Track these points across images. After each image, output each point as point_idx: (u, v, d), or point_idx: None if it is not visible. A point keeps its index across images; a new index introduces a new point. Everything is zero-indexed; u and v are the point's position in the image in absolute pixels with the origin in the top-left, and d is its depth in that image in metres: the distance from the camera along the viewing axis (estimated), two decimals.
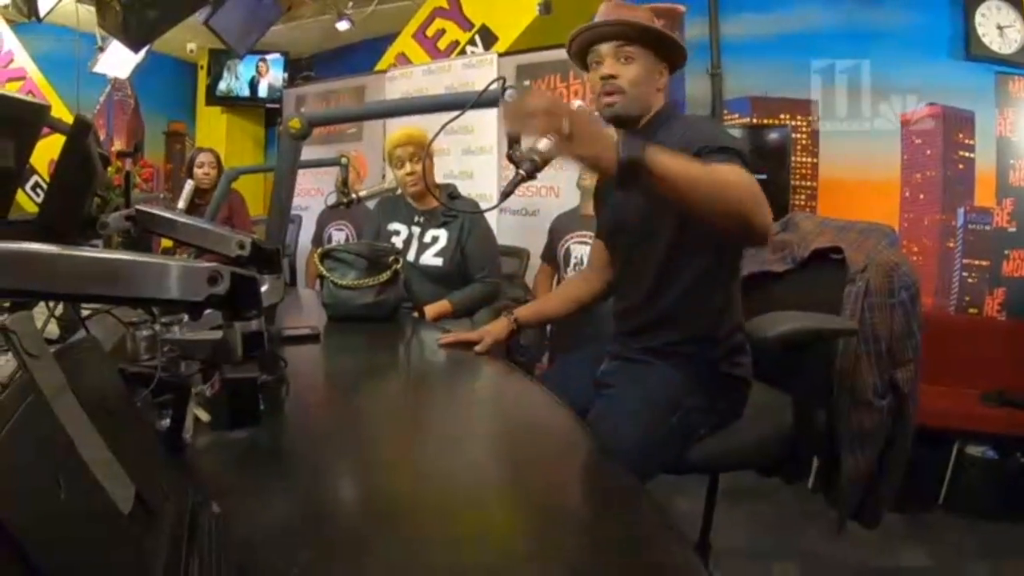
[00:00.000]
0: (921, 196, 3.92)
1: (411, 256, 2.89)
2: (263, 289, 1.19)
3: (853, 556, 2.60)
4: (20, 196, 4.57)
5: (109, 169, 3.70)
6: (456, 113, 1.60)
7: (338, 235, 4.63)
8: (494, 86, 1.64)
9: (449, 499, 0.95)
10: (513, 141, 1.63)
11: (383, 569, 0.75)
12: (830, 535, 2.50)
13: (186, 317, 1.13)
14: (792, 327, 1.60)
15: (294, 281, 4.26)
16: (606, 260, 1.95)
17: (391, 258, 2.30)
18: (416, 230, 2.96)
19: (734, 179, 1.29)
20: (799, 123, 4.16)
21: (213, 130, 6.72)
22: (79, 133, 1.30)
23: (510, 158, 1.61)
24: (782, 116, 4.20)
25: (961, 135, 3.82)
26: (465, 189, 3.26)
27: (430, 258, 2.89)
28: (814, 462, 2.31)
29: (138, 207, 1.38)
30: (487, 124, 4.41)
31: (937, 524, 2.98)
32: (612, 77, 1.64)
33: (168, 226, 1.32)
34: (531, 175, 1.58)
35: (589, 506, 1.02)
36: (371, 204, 3.28)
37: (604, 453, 1.19)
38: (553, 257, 3.72)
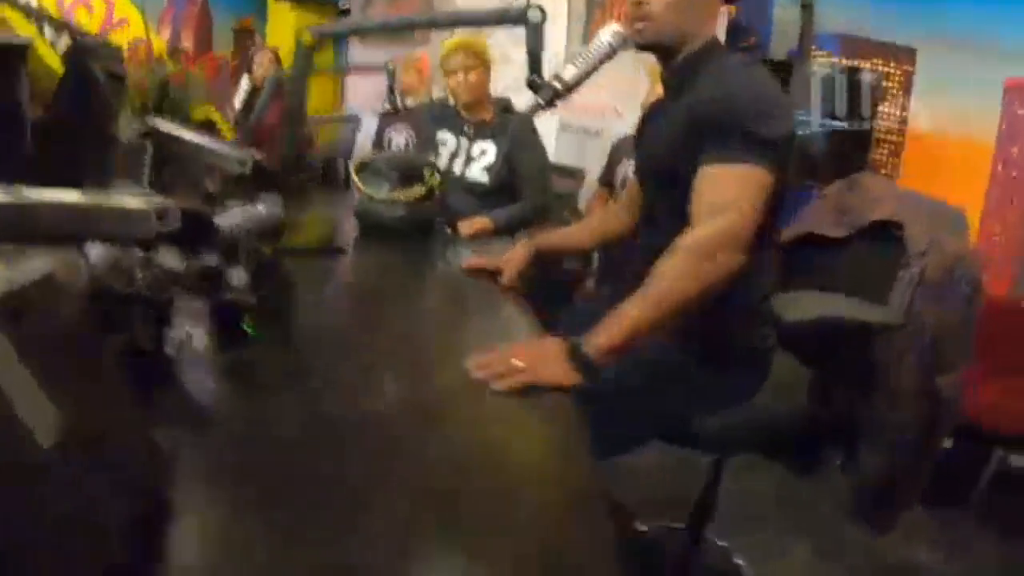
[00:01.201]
0: (1014, 173, 3.59)
1: (457, 169, 2.86)
2: (260, 208, 1.20)
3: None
4: None
5: (173, 66, 3.72)
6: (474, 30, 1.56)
7: (397, 138, 4.59)
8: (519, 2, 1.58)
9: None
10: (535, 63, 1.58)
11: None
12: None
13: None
14: (822, 314, 1.48)
15: (348, 185, 4.26)
16: (637, 196, 1.78)
17: (429, 173, 2.20)
18: (464, 141, 2.91)
19: (690, 274, 1.27)
20: (892, 71, 3.83)
21: (283, 27, 6.63)
22: (77, 60, 1.26)
23: (530, 85, 1.56)
24: (875, 60, 3.87)
25: None
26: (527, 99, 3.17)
27: (476, 172, 2.86)
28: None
29: (155, 123, 1.38)
30: (554, 35, 4.27)
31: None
32: (641, 3, 1.43)
33: (177, 144, 1.33)
34: (550, 103, 1.54)
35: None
36: None
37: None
38: (610, 181, 3.61)
